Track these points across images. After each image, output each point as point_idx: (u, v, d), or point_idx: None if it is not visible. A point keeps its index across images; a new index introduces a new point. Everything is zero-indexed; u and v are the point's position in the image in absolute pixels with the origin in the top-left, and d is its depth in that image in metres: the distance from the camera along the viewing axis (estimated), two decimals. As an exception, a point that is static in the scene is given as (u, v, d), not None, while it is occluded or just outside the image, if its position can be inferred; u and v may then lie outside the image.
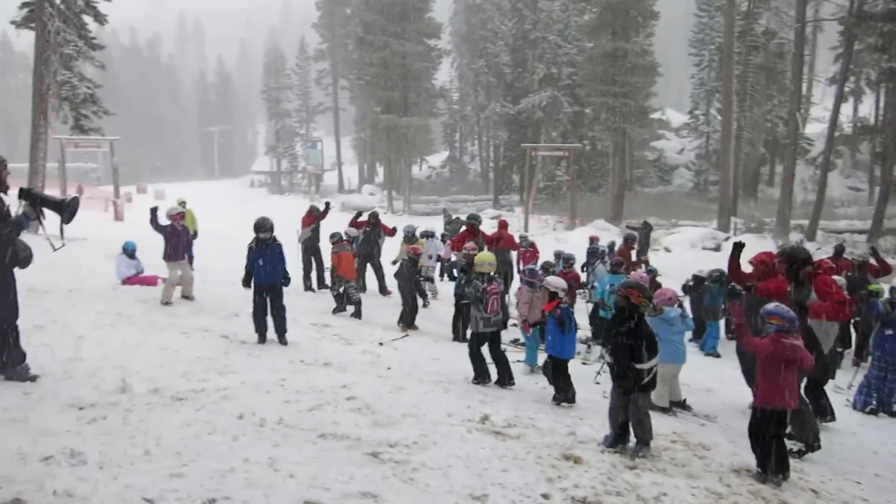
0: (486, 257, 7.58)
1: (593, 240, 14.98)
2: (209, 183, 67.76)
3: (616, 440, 5.22)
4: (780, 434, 4.96)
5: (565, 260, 11.13)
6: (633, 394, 5.11)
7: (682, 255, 20.63)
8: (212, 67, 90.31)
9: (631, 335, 5.16)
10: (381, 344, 8.56)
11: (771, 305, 5.02)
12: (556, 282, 7.03)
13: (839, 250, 11.41)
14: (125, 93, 74.04)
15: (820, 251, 21.84)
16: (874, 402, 7.67)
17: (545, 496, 4.11)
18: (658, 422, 6.22)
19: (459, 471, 4.32)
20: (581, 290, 11.77)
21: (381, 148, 41.55)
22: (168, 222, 9.74)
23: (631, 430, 5.19)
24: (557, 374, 6.63)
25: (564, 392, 6.59)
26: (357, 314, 10.31)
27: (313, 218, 13.10)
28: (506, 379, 7.12)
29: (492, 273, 7.32)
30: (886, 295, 8.77)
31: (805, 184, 33.96)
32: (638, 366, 5.08)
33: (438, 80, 46.76)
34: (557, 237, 25.72)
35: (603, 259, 12.10)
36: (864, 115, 36.69)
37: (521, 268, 12.63)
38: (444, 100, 47.32)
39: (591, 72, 30.93)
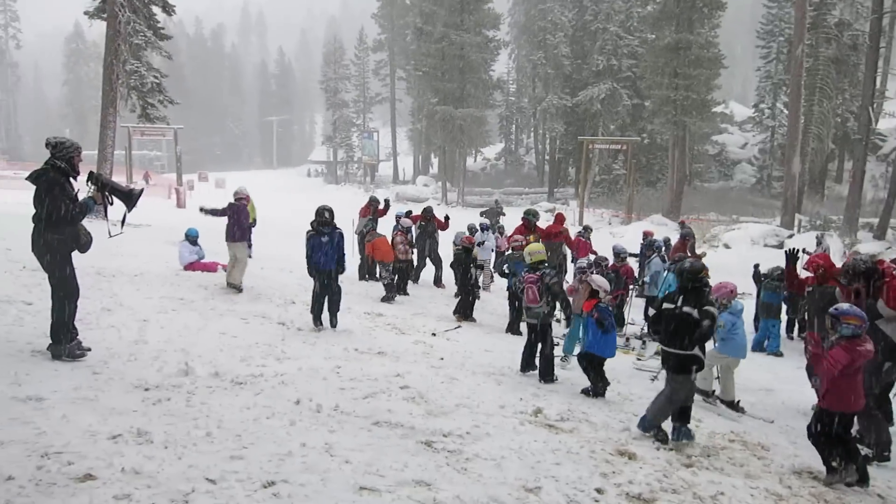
0: (533, 248, 7.52)
1: (647, 235, 14.67)
2: (267, 172, 69.19)
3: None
4: (845, 436, 4.82)
5: (617, 254, 10.98)
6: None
7: (743, 252, 20.06)
8: (273, 58, 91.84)
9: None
10: (433, 334, 8.61)
11: (845, 305, 4.86)
12: (599, 280, 6.87)
13: None
14: (189, 82, 76.21)
15: (890, 250, 21.04)
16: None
17: (599, 491, 4.08)
18: (716, 421, 6.11)
19: (512, 462, 4.32)
20: (633, 286, 11.58)
21: (436, 139, 41.61)
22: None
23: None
24: (592, 370, 6.56)
25: (595, 386, 6.51)
26: (387, 298, 10.46)
27: (370, 209, 13.31)
28: (545, 374, 6.99)
29: (540, 264, 7.24)
30: None
31: (875, 181, 32.50)
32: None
33: (496, 72, 46.52)
34: (612, 231, 25.36)
35: (660, 253, 11.84)
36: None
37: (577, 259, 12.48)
38: (501, 91, 47.06)
39: (653, 64, 30.24)
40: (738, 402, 6.82)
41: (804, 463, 5.05)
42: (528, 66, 44.11)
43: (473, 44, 38.19)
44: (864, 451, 5.51)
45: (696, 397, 6.39)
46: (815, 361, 4.89)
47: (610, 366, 6.78)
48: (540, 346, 7.04)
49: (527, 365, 7.15)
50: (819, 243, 14.69)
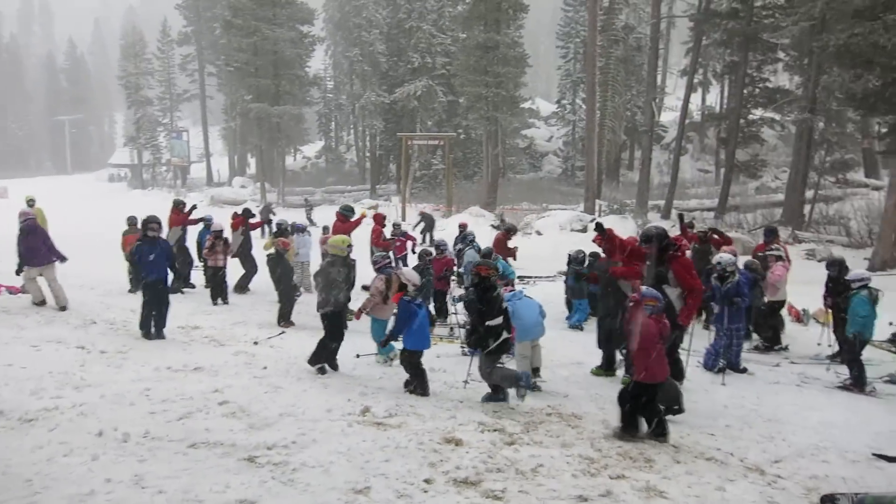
0: (334, 240, 7.62)
1: (462, 227, 15.22)
2: (61, 178, 62.46)
3: (492, 396, 6.34)
4: (653, 402, 5.42)
5: (437, 246, 11.32)
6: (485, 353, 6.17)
7: (553, 237, 21.57)
8: (62, 50, 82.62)
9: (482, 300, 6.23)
10: (255, 343, 8.31)
11: (644, 288, 5.46)
12: (408, 274, 7.00)
13: (689, 225, 12.49)
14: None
15: (674, 228, 23.76)
16: (721, 363, 8.35)
17: (428, 481, 4.18)
18: (535, 399, 6.50)
19: (341, 466, 4.30)
20: (454, 276, 12.02)
21: (252, 138, 40.05)
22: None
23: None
24: (409, 365, 6.63)
25: (419, 382, 6.56)
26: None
27: (182, 217, 12.62)
28: (313, 359, 7.14)
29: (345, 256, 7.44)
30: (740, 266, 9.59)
31: (661, 167, 36.49)
32: (488, 323, 6.11)
33: (312, 68, 45.68)
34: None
35: (473, 244, 12.29)
36: (710, 104, 39.85)
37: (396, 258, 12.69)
38: (318, 88, 46.36)
39: (465, 62, 31.40)
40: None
41: (612, 427, 5.54)
42: (346, 63, 43.83)
43: (287, 39, 37.17)
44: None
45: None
46: (633, 309, 5.49)
47: (433, 354, 6.97)
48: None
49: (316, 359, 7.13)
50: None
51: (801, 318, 12.17)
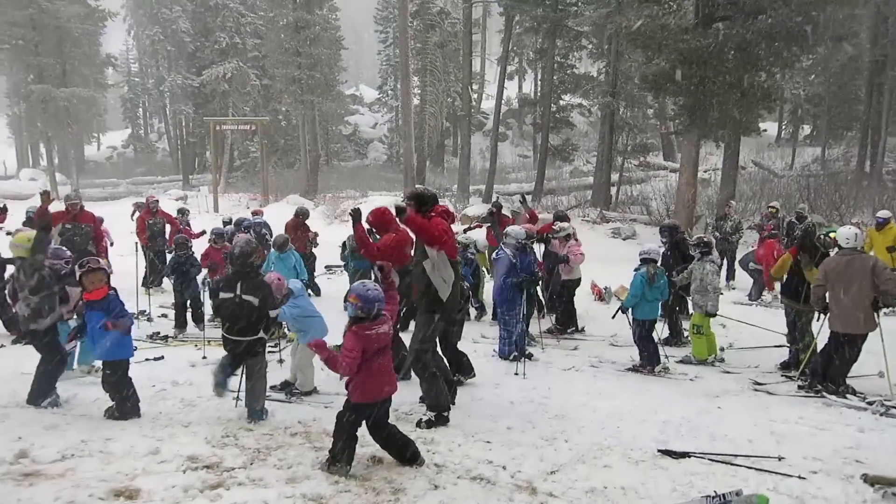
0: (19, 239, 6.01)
1: (256, 213, 14.14)
2: None
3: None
4: (382, 424, 4.51)
5: (216, 234, 10.00)
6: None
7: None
8: None
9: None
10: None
11: (357, 283, 4.56)
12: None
13: (498, 207, 12.09)
14: None
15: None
16: (516, 350, 7.91)
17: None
18: (289, 413, 5.54)
19: None
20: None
21: (39, 124, 35.28)
22: None
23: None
24: (114, 379, 5.29)
25: (119, 401, 5.29)
26: None
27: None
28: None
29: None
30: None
31: (483, 153, 37.03)
32: None
33: (112, 49, 41.23)
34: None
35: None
36: (527, 92, 41.07)
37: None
38: (117, 70, 41.97)
39: (275, 42, 29.64)
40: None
41: (374, 448, 4.62)
42: (148, 43, 40.00)
43: (72, 13, 32.96)
44: (426, 415, 5.46)
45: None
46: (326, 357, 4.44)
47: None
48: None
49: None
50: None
51: (602, 296, 12.28)
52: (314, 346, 4.34)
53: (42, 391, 5.44)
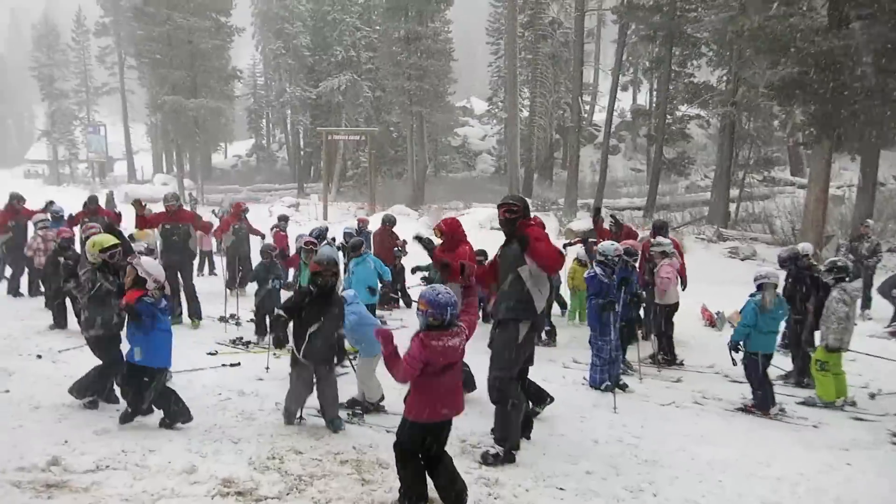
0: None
1: (362, 222, 14.05)
2: (-29, 174, 58.46)
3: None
4: (436, 452, 4.02)
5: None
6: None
7: (472, 235, 20.34)
8: (-27, 41, 78.13)
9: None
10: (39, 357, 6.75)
11: (427, 287, 4.08)
12: (148, 264, 5.13)
13: (596, 210, 11.36)
14: None
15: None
16: (609, 379, 7.19)
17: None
18: (345, 434, 5.15)
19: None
20: None
21: (170, 133, 37.84)
22: None
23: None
24: (136, 386, 5.02)
25: (182, 411, 5.09)
26: None
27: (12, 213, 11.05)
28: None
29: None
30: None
31: (594, 166, 35.82)
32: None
33: (241, 63, 43.63)
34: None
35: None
36: (642, 104, 39.46)
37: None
38: (241, 82, 44.35)
39: (387, 54, 30.13)
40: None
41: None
42: (271, 57, 42.03)
43: (203, 29, 35.09)
44: (494, 449, 4.91)
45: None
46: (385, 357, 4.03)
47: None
48: None
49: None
50: None
51: (714, 321, 11.20)
52: (379, 334, 3.95)
53: (85, 387, 5.39)
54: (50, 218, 11.24)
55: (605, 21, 38.27)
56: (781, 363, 8.00)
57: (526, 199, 5.70)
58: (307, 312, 5.23)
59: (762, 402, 6.68)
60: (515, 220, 5.17)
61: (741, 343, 6.74)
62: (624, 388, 7.21)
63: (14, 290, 11.26)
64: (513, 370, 5.03)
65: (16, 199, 11.34)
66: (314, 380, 5.31)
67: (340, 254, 9.58)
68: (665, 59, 23.79)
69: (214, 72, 36.99)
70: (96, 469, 3.99)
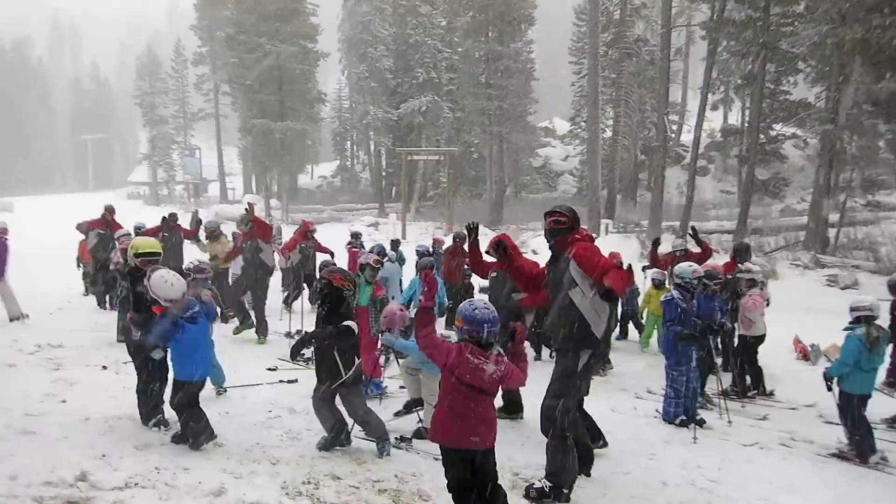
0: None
1: (437, 242, 13.84)
2: (82, 195, 62.75)
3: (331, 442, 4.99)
4: (469, 483, 3.65)
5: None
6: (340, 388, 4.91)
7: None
8: (87, 73, 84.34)
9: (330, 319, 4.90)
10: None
11: (464, 303, 3.75)
12: (155, 285, 4.89)
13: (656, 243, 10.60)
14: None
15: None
16: (684, 413, 6.59)
17: None
18: (390, 460, 4.84)
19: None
20: None
21: (258, 155, 39.33)
22: None
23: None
24: (174, 399, 4.91)
25: (203, 429, 4.84)
26: None
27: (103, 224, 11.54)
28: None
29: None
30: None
31: (681, 187, 34.45)
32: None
33: (328, 88, 44.95)
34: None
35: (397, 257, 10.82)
36: (733, 123, 37.78)
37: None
38: (328, 105, 45.66)
39: (467, 74, 30.21)
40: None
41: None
42: (355, 80, 43.11)
43: (290, 54, 36.39)
44: (540, 482, 4.46)
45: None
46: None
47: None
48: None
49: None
50: None
51: (808, 354, 10.27)
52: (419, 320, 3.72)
53: (146, 413, 5.28)
54: (133, 233, 11.64)
55: (693, 38, 37.00)
56: (888, 404, 7.13)
57: (576, 211, 5.14)
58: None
59: (860, 449, 5.88)
60: (562, 231, 4.76)
61: (836, 380, 6.01)
62: (701, 423, 6.58)
63: (101, 303, 11.80)
64: (569, 400, 4.60)
65: (108, 211, 11.80)
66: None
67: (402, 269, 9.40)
68: (758, 75, 22.60)
69: (300, 95, 38.20)
70: (124, 486, 3.88)
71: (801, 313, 12.11)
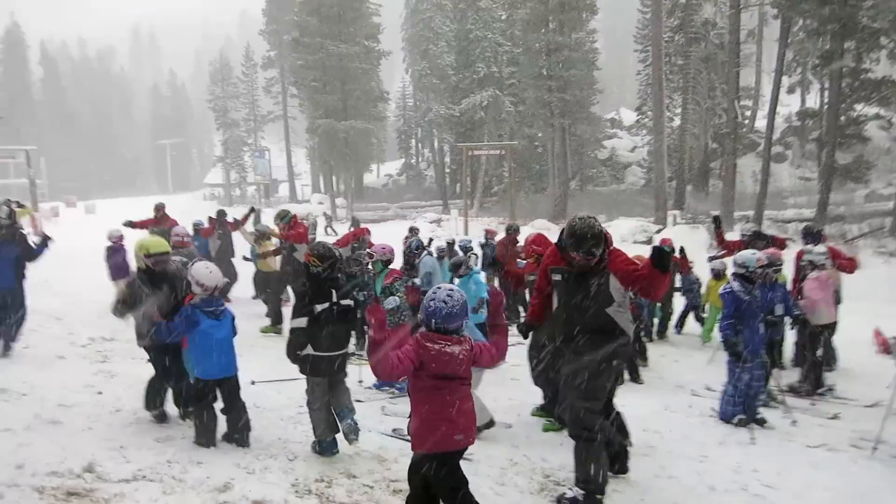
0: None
1: (490, 234, 13.53)
2: (162, 197, 65.60)
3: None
4: (451, 485, 3.36)
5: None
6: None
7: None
8: (165, 80, 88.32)
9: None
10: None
11: (430, 290, 3.48)
12: (196, 271, 4.75)
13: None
14: (72, 106, 71.95)
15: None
16: (743, 412, 6.11)
17: None
18: (406, 463, 4.60)
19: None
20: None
21: (323, 154, 40.05)
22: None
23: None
24: (190, 402, 4.81)
25: (204, 430, 4.67)
26: None
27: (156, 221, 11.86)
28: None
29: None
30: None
31: (756, 175, 32.78)
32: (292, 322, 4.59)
33: (392, 87, 45.32)
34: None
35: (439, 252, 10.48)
36: (810, 106, 35.72)
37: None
38: (387, 103, 46.01)
39: (528, 66, 29.71)
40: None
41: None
42: (417, 78, 43.24)
43: (352, 54, 36.79)
44: (571, 492, 4.14)
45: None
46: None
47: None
48: None
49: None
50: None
51: (889, 348, 9.43)
52: (370, 312, 3.42)
53: (147, 402, 5.18)
54: (191, 232, 11.90)
55: (766, 19, 35.18)
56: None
57: (599, 222, 4.44)
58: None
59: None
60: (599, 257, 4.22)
61: None
62: (762, 423, 6.09)
63: None
64: (595, 402, 4.26)
65: (157, 209, 12.14)
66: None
67: (438, 263, 9.14)
68: (836, 53, 21.18)
69: (363, 94, 38.55)
70: (131, 479, 3.82)
71: (883, 303, 11.22)
